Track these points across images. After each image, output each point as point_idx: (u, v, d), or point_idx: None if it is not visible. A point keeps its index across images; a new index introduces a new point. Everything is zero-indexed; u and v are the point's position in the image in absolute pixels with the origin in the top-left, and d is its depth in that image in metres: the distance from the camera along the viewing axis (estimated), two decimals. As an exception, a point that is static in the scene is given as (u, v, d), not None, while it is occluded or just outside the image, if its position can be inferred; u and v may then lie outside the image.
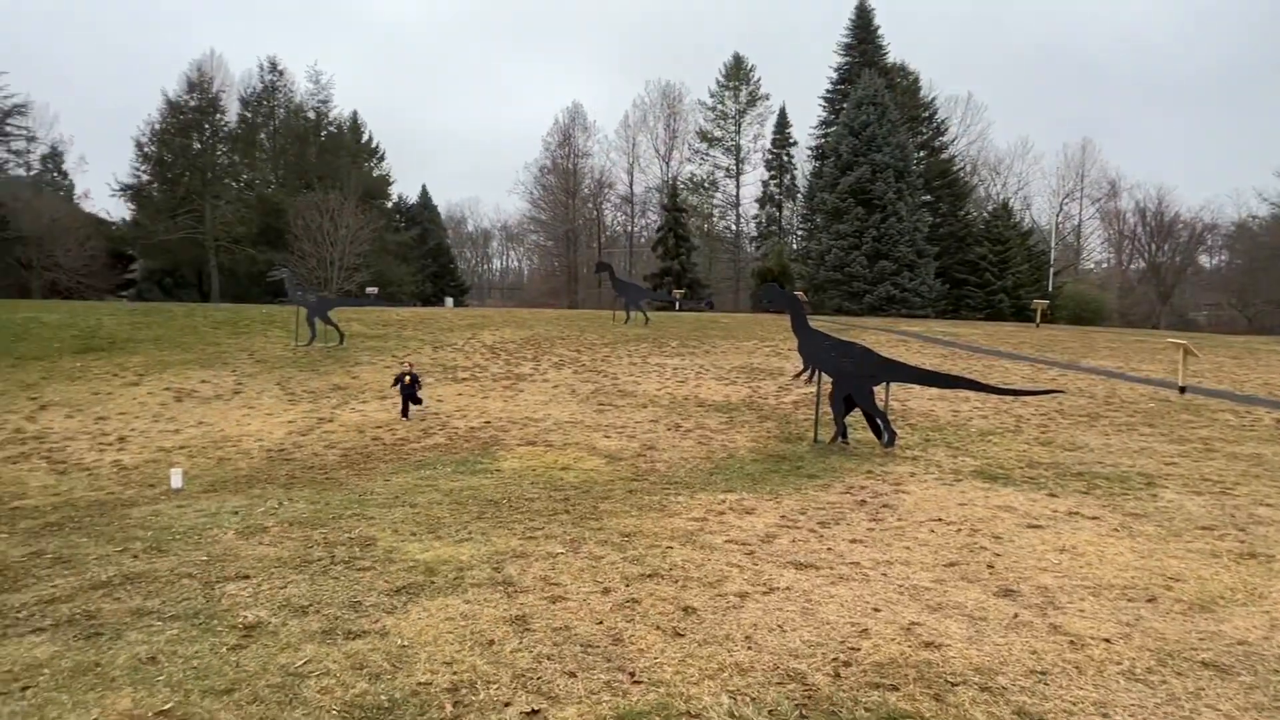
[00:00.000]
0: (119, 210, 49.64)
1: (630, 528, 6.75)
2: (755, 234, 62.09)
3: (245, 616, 4.48)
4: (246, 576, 5.29)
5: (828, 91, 52.36)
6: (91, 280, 41.18)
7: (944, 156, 50.92)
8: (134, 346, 18.07)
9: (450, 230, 71.27)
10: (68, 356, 16.85)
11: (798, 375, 16.12)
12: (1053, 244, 50.16)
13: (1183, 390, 14.72)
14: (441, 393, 14.93)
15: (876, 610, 4.77)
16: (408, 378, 13.23)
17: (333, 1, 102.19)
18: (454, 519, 7.04)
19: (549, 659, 3.94)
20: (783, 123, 59.54)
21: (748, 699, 3.51)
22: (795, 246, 54.49)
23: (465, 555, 5.80)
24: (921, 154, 48.60)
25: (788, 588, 5.18)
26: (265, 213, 47.39)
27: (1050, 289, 43.28)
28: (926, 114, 51.24)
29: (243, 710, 3.32)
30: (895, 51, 53.03)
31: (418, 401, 13.35)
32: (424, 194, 62.55)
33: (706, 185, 63.45)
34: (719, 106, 62.44)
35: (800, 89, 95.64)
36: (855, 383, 10.59)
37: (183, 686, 3.56)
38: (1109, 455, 10.17)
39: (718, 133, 62.71)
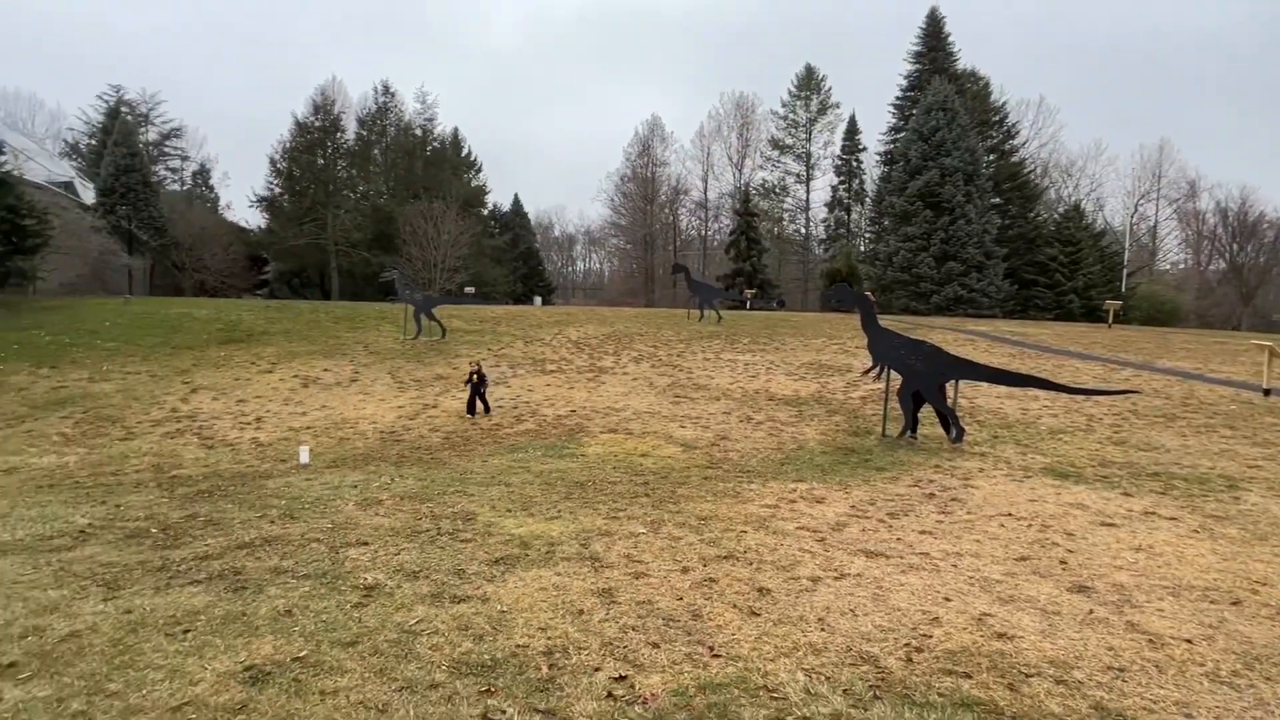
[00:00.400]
0: (255, 219, 52.81)
1: (706, 512, 6.72)
2: (824, 236, 60.70)
3: (365, 579, 4.70)
4: (365, 543, 5.54)
5: (897, 99, 50.59)
6: (233, 280, 43.99)
7: (1014, 160, 48.33)
8: (268, 339, 19.22)
9: (539, 235, 72.56)
10: (214, 347, 18.08)
11: (866, 372, 15.66)
12: (1127, 245, 46.92)
13: (1268, 393, 13.52)
14: (531, 383, 15.25)
15: (947, 600, 4.58)
16: (475, 375, 12.86)
17: (440, 30, 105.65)
18: (544, 498, 7.18)
19: (634, 630, 3.96)
20: (852, 130, 57.93)
21: (823, 678, 3.44)
22: (863, 248, 52.99)
23: (555, 531, 5.90)
24: (991, 157, 46.30)
25: (859, 574, 5.04)
26: (378, 220, 49.42)
27: (1123, 290, 40.51)
28: (997, 118, 48.75)
29: (365, 661, 3.48)
30: (965, 58, 50.83)
31: (484, 401, 12.91)
32: (516, 202, 64.00)
33: (777, 191, 62.42)
34: (790, 115, 61.24)
35: (870, 97, 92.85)
36: (924, 380, 10.21)
37: (314, 637, 3.76)
38: (1187, 456, 9.45)
39: (789, 140, 61.54)
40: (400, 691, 3.19)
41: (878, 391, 13.46)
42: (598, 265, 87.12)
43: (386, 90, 55.12)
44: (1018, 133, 50.21)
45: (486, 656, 3.57)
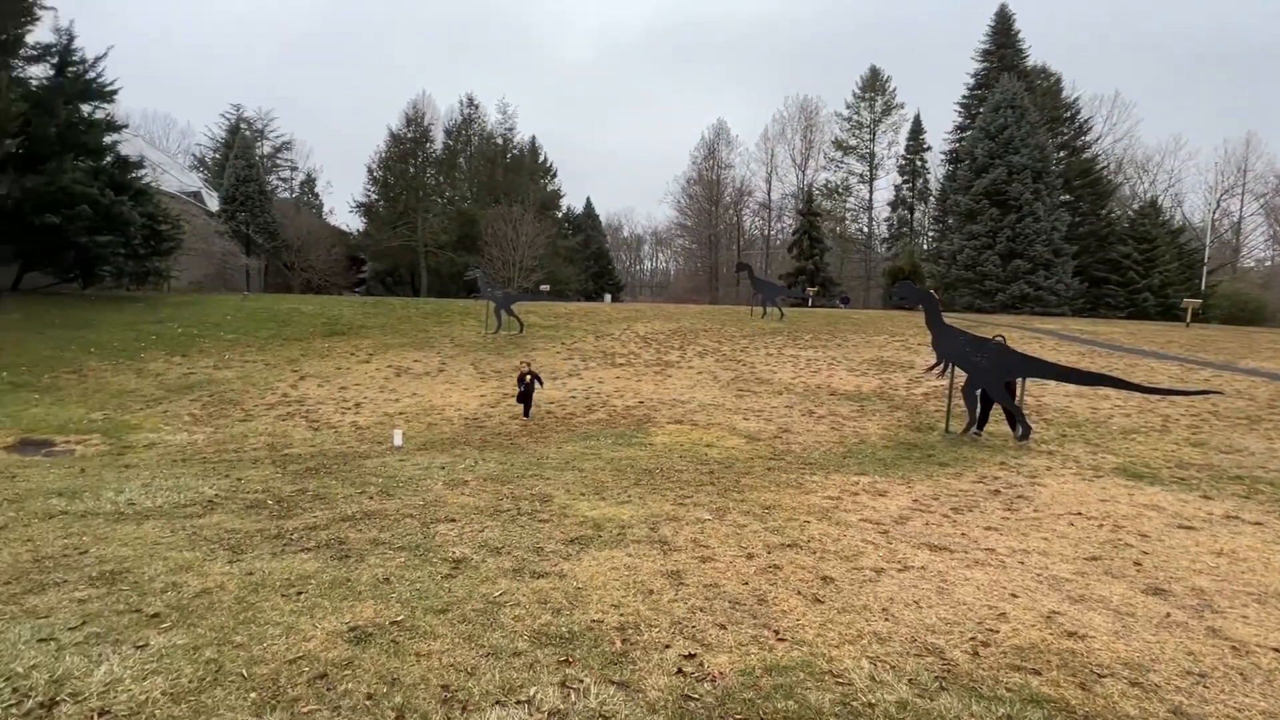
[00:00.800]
0: (354, 223, 55.29)
1: (770, 501, 6.64)
2: (887, 235, 58.85)
3: (453, 552, 4.86)
4: (453, 520, 5.73)
5: (964, 97, 48.46)
6: (334, 279, 46.25)
7: (1086, 156, 45.46)
8: (365, 332, 20.10)
9: (609, 236, 73.12)
10: (318, 339, 19.04)
11: (930, 369, 15.08)
12: (1207, 241, 43.40)
13: (1365, 395, 12.27)
14: (602, 375, 15.40)
15: (1014, 596, 4.37)
16: (528, 376, 12.11)
17: (520, 45, 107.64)
18: (615, 484, 7.24)
19: (701, 611, 3.96)
20: (917, 129, 55.92)
21: (888, 666, 3.34)
22: (926, 247, 51.06)
23: (626, 515, 5.95)
24: (1061, 154, 43.72)
25: (922, 567, 4.87)
26: (462, 223, 50.88)
27: (1203, 288, 37.52)
28: (1068, 114, 45.96)
29: (455, 628, 3.60)
30: (1036, 54, 48.09)
31: (526, 402, 12.07)
32: (588, 205, 64.72)
33: (840, 191, 60.84)
34: (855, 117, 59.53)
35: (935, 97, 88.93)
36: (990, 377, 9.76)
37: (410, 604, 3.91)
38: (1274, 460, 8.69)
39: (853, 141, 59.85)
40: (487, 657, 3.28)
41: (941, 388, 12.97)
42: (664, 264, 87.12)
43: (471, 102, 56.70)
44: (1090, 128, 47.24)
45: (564, 629, 3.63)
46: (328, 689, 2.96)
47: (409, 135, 52.37)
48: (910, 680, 3.21)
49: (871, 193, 60.28)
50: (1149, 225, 39.88)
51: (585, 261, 57.74)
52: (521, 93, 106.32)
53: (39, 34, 22.74)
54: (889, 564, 4.90)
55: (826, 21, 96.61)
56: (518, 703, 2.90)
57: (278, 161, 60.60)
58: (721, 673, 3.21)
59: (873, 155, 59.52)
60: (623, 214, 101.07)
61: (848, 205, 61.54)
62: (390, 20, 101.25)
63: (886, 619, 3.94)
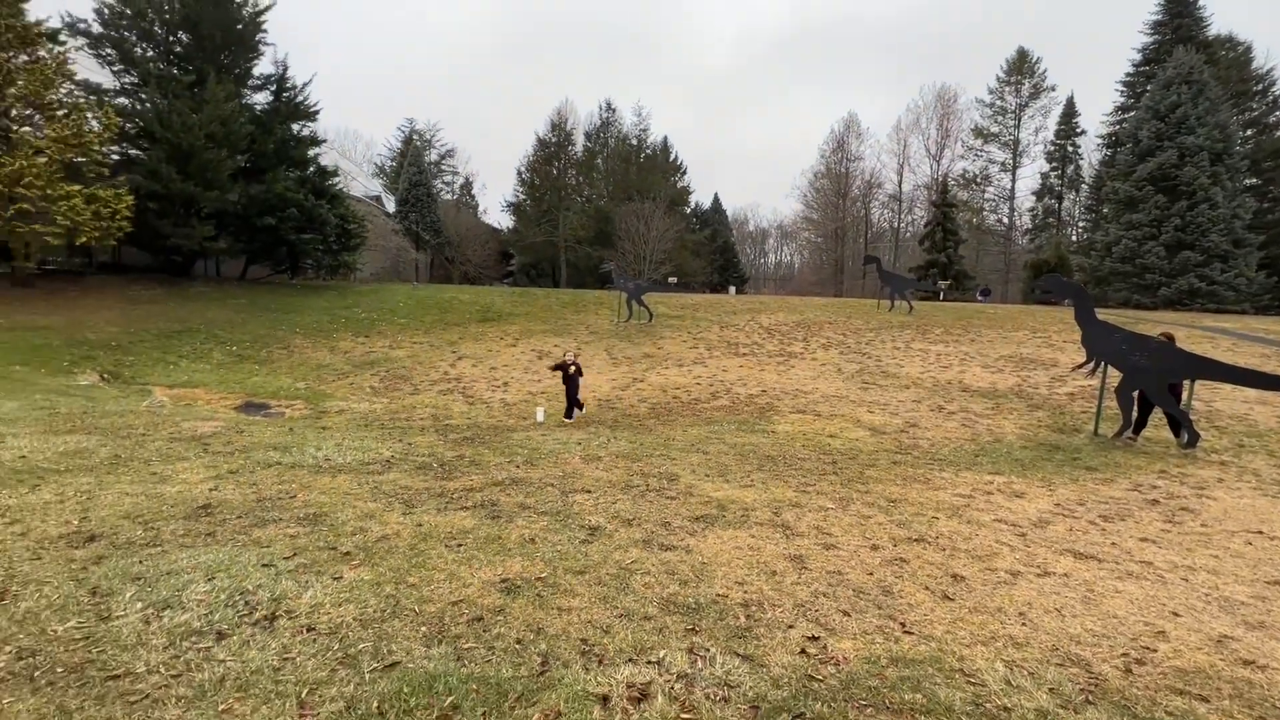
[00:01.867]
0: (505, 221, 58.61)
1: (895, 495, 6.28)
2: (1030, 226, 53.35)
3: (589, 520, 5.05)
4: (588, 491, 5.95)
5: (1127, 75, 42.67)
6: (487, 271, 49.40)
7: (1280, 134, 38.42)
8: (512, 319, 21.32)
9: (735, 230, 72.14)
10: (473, 324, 20.46)
11: (1078, 367, 13.54)
12: None
13: None
14: (726, 364, 15.28)
15: (1175, 614, 3.84)
16: (572, 367, 10.53)
17: (657, 52, 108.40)
18: (738, 468, 7.18)
19: (824, 596, 3.83)
20: (1069, 112, 50.08)
21: (1025, 672, 3.06)
22: (1075, 238, 45.72)
23: (749, 498, 5.88)
24: (1249, 132, 37.28)
25: (1065, 574, 4.41)
26: (599, 220, 52.35)
27: None
28: (1259, 87, 39.02)
29: (592, 589, 3.75)
30: (1220, 23, 41.19)
31: (577, 402, 10.65)
32: (715, 200, 64.18)
33: (979, 180, 55.88)
34: (998, 102, 54.32)
35: (1091, 77, 78.68)
36: (1150, 379, 8.59)
37: (552, 563, 4.12)
38: None
39: (994, 128, 54.69)
40: (620, 618, 3.39)
41: (1090, 389, 11.63)
42: (788, 258, 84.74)
43: (609, 107, 58.04)
44: (1287, 102, 39.75)
45: (690, 600, 3.66)
46: (484, 630, 3.20)
47: (553, 140, 54.54)
48: (1051, 689, 2.92)
49: (1014, 181, 54.91)
50: (1362, 211, 33.09)
51: (711, 255, 57.36)
52: (655, 93, 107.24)
53: (260, 66, 26.11)
54: (1026, 567, 4.48)
55: (969, 5, 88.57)
56: (648, 663, 2.97)
57: (442, 167, 65.51)
58: (846, 658, 3.10)
59: (1017, 142, 54.11)
60: (749, 208, 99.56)
61: (986, 195, 56.46)
62: (546, 33, 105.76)
63: (1024, 624, 3.61)
